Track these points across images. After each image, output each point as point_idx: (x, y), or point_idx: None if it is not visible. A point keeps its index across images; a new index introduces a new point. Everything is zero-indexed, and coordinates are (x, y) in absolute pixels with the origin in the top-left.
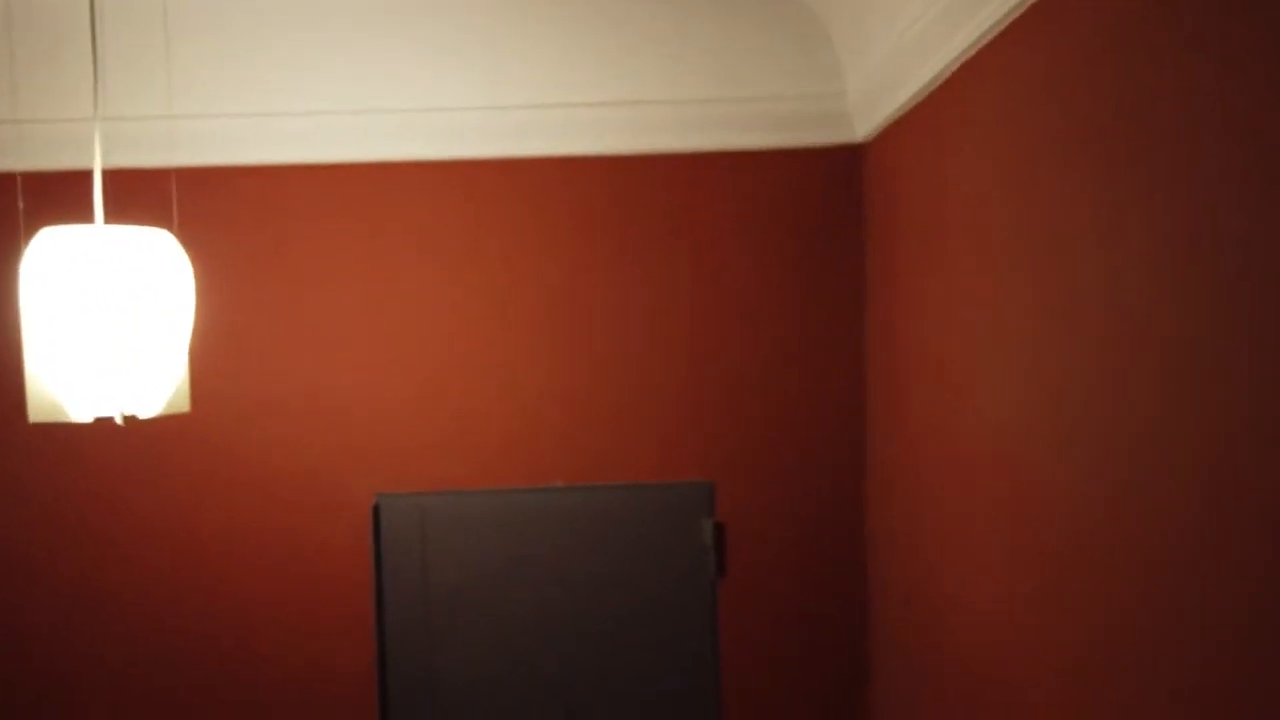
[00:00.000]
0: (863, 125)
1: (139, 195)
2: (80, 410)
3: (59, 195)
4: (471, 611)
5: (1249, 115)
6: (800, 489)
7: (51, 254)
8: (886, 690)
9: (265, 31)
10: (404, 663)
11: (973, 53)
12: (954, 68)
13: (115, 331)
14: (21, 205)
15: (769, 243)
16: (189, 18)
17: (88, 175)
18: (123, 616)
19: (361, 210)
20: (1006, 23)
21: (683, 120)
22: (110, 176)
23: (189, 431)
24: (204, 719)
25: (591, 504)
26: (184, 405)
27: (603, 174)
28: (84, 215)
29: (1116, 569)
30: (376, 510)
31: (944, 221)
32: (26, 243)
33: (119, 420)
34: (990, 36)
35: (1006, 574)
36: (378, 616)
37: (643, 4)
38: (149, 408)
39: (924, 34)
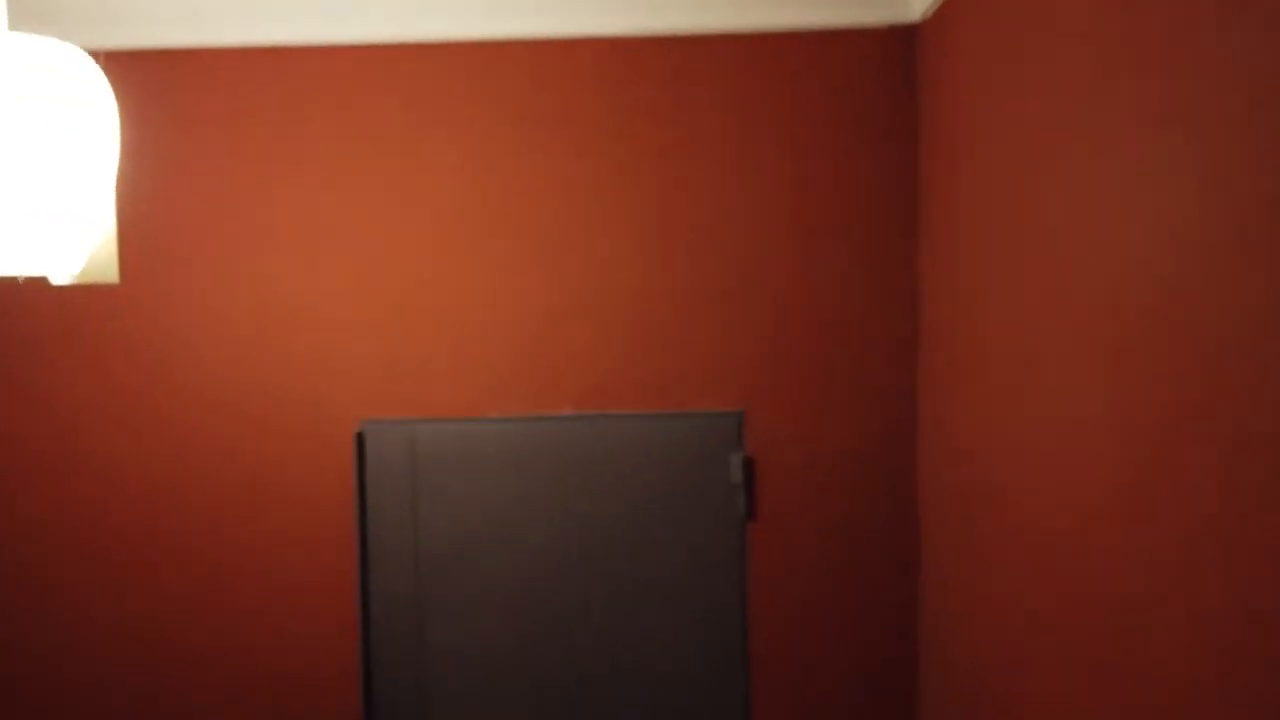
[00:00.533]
0: None
1: None
2: None
3: None
4: (468, 554)
5: None
6: (843, 418)
7: None
8: (939, 654)
9: None
10: (392, 615)
11: None
12: None
13: (13, 165)
14: None
15: (810, 138)
16: None
17: None
18: (35, 559)
19: (341, 97)
20: None
21: None
22: None
23: (130, 332)
24: (155, 692)
25: (605, 435)
26: (111, 274)
27: (622, 56)
28: None
29: None
30: (360, 439)
31: (1024, 103)
32: None
33: (20, 281)
34: None
35: (1114, 526)
36: (361, 563)
37: None
38: (62, 269)
39: None
